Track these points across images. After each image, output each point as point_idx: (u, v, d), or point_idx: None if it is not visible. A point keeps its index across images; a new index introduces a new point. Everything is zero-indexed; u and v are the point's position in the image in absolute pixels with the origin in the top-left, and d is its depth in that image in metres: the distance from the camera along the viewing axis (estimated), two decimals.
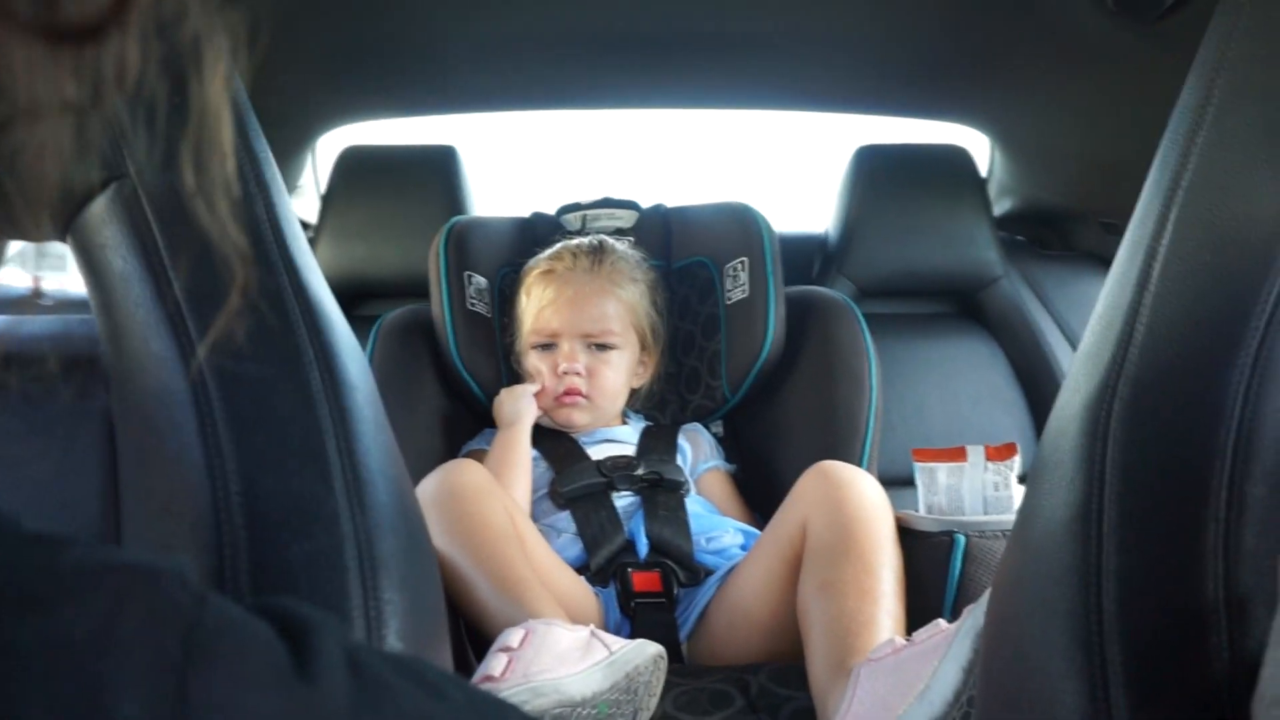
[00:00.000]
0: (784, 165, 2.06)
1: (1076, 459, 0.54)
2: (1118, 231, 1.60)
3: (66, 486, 0.46)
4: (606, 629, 0.95)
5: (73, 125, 0.22)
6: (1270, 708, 0.31)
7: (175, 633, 0.21)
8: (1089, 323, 0.60)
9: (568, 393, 1.16)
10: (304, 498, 0.45)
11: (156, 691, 0.19)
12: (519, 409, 1.14)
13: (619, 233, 1.36)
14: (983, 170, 1.67)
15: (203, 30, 0.23)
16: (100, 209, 0.49)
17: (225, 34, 0.24)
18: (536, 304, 1.20)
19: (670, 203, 1.43)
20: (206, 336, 0.48)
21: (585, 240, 1.25)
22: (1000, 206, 1.73)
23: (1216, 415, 0.50)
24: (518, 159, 1.97)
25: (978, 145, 1.69)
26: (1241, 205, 0.53)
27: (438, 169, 1.56)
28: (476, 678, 0.70)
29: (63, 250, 0.53)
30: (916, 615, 0.81)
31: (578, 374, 1.16)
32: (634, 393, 1.26)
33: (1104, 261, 1.67)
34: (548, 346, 1.19)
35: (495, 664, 0.71)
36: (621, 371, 1.20)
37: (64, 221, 0.49)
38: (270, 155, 0.56)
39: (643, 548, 1.04)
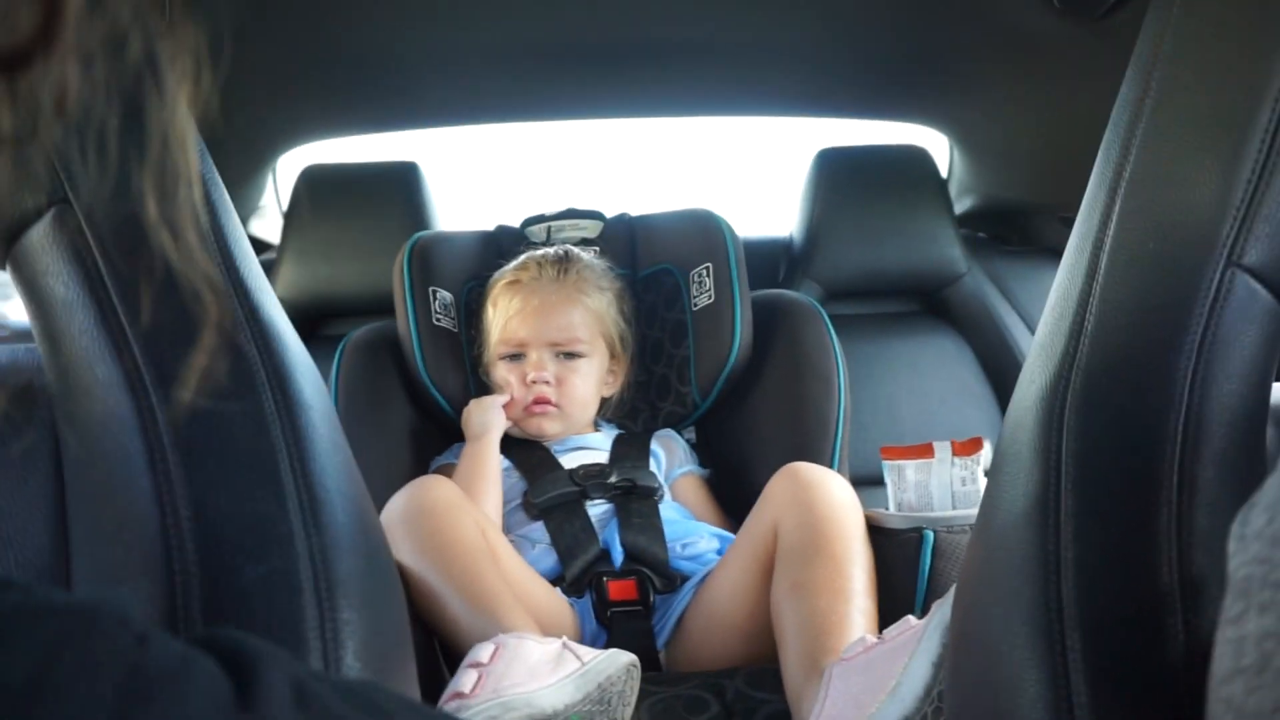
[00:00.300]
0: (746, 171, 2.08)
1: (1033, 449, 0.54)
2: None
3: (16, 519, 0.45)
4: (583, 639, 0.95)
5: (9, 156, 0.21)
6: (1221, 685, 0.31)
7: (111, 677, 0.20)
8: (1043, 315, 0.61)
9: (537, 401, 1.16)
10: (257, 520, 0.44)
11: None
12: (487, 420, 1.13)
13: (584, 243, 1.36)
14: (943, 169, 1.70)
15: (161, 52, 0.22)
16: (40, 235, 0.48)
17: (188, 55, 0.23)
18: (503, 315, 1.19)
19: (634, 212, 1.43)
20: (183, 379, 0.46)
21: (551, 250, 1.25)
22: (961, 205, 1.75)
23: (1166, 401, 0.51)
24: (480, 173, 1.97)
25: (937, 145, 1.71)
26: (1181, 193, 0.54)
27: (400, 185, 1.56)
28: (446, 694, 0.70)
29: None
30: (888, 612, 0.81)
31: (546, 383, 1.16)
32: (605, 401, 1.26)
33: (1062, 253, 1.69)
34: (516, 357, 1.19)
35: (465, 680, 0.70)
36: (591, 380, 1.19)
37: (2, 247, 0.49)
38: (216, 175, 0.55)
39: (618, 556, 1.03)
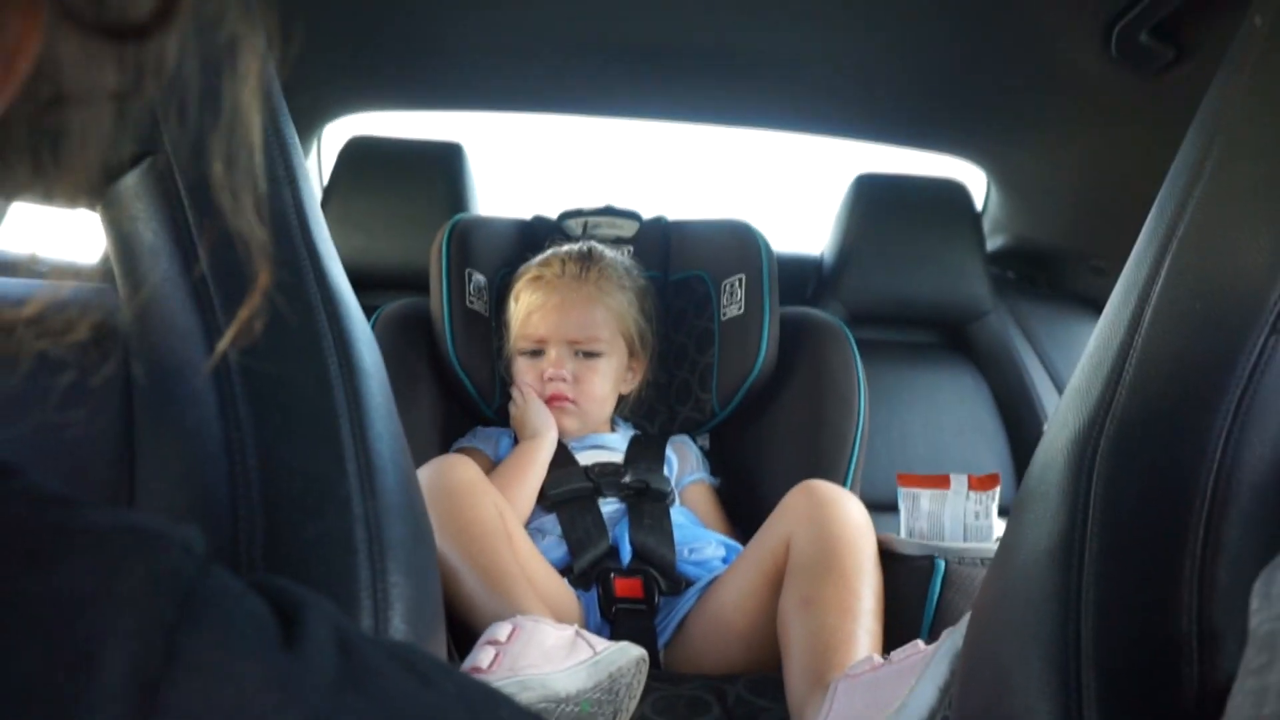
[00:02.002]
0: (784, 187, 2.09)
1: (1062, 491, 0.56)
2: (1106, 275, 1.64)
3: (86, 450, 0.46)
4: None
5: (113, 110, 0.23)
6: None
7: (172, 595, 0.22)
8: (1080, 361, 0.62)
9: (554, 398, 1.18)
10: (318, 478, 0.46)
11: (146, 648, 0.20)
12: (548, 421, 1.15)
13: (619, 241, 1.38)
14: (978, 205, 1.71)
15: (239, 31, 0.24)
16: (133, 182, 0.50)
17: (261, 34, 0.25)
18: (524, 310, 1.21)
19: (671, 216, 1.44)
20: (228, 330, 0.48)
21: (575, 247, 1.27)
22: (993, 242, 1.76)
23: (1198, 457, 0.52)
24: (522, 160, 1.99)
25: (975, 180, 1.72)
26: (1232, 258, 0.55)
27: (443, 165, 1.57)
28: (463, 668, 0.71)
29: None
30: (894, 636, 0.83)
31: (563, 380, 1.17)
32: (622, 399, 1.27)
33: (1091, 303, 1.70)
34: (535, 353, 1.20)
35: (483, 656, 0.72)
36: (608, 378, 1.21)
37: (96, 192, 0.50)
38: (299, 144, 0.57)
39: (626, 554, 1.05)
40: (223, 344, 0.48)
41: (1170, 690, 0.45)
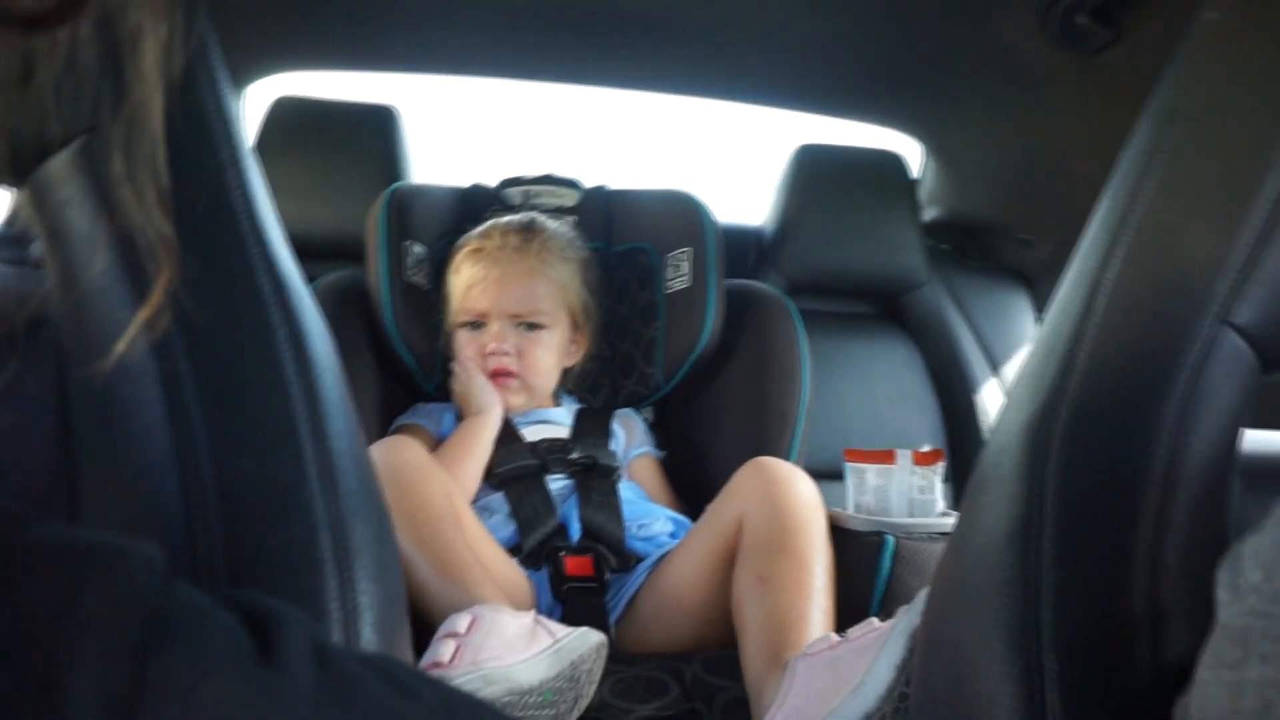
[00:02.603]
0: (724, 157, 2.08)
1: (1018, 475, 0.57)
2: (1032, 247, 1.69)
3: (13, 461, 0.43)
4: (539, 612, 0.96)
5: (5, 99, 0.22)
6: None
7: (137, 615, 0.20)
8: (1033, 345, 0.63)
9: (496, 373, 1.16)
10: (278, 484, 0.43)
11: (113, 672, 0.19)
12: (493, 397, 1.12)
13: (560, 211, 1.35)
14: (915, 177, 1.73)
15: (142, 21, 0.23)
16: (63, 164, 0.45)
17: (165, 25, 0.24)
18: (464, 283, 1.18)
19: (613, 185, 1.42)
20: (136, 316, 0.45)
21: (516, 218, 1.24)
22: (928, 214, 1.80)
23: (1149, 443, 0.54)
24: (459, 126, 1.93)
25: (912, 152, 1.75)
26: (1181, 249, 0.57)
27: (377, 129, 1.51)
28: (425, 663, 0.70)
29: None
30: (845, 611, 0.85)
31: (505, 354, 1.15)
32: (566, 372, 1.26)
33: (1018, 275, 1.76)
34: (476, 326, 1.18)
35: (444, 650, 0.71)
36: (552, 351, 1.19)
37: (15, 173, 0.46)
38: (244, 122, 0.53)
39: (575, 532, 1.04)
40: (120, 344, 0.45)
41: (1126, 669, 0.47)
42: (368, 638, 0.42)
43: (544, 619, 0.79)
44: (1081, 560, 0.52)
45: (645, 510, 1.11)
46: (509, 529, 1.04)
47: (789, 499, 0.91)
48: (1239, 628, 0.34)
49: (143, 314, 0.43)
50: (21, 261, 0.48)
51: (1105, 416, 0.56)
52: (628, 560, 1.04)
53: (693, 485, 1.20)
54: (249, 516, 0.41)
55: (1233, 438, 0.56)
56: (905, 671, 0.65)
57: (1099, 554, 0.52)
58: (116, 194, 0.25)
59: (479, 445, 1.09)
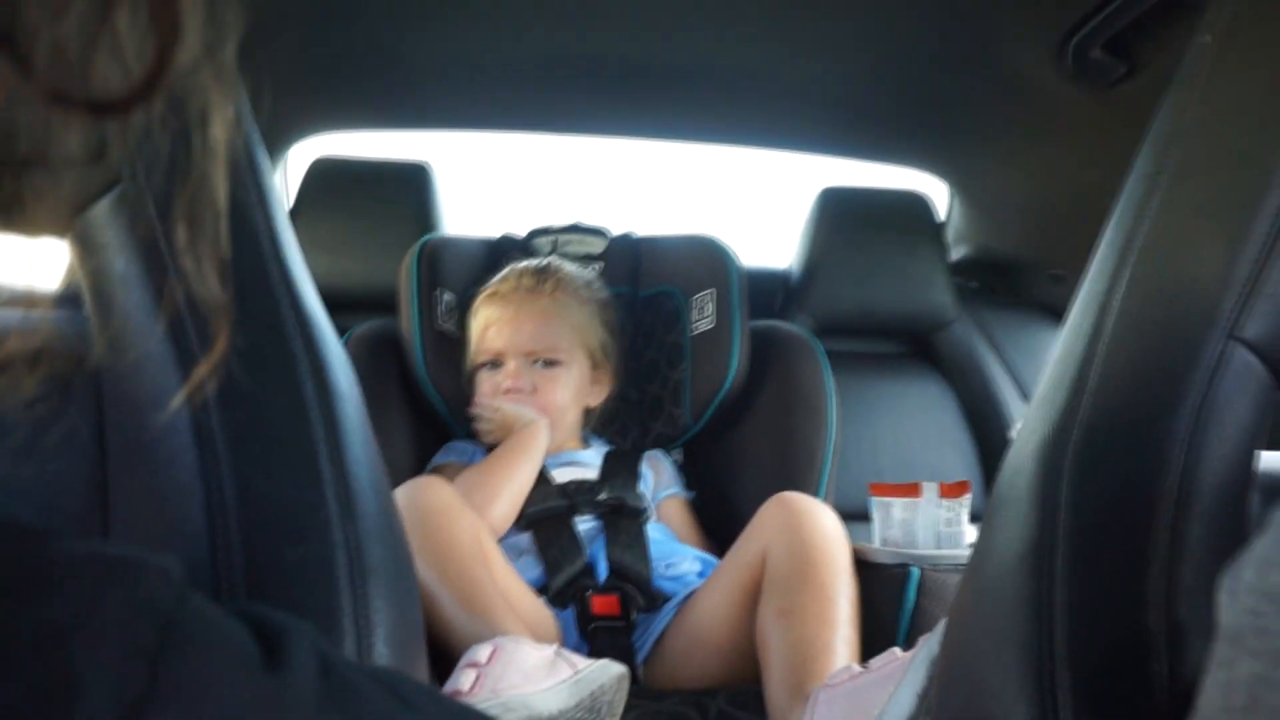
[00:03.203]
0: (750, 202, 2.12)
1: (1032, 497, 0.57)
2: (1065, 283, 1.68)
3: (54, 486, 0.46)
4: None
5: (76, 173, 0.23)
6: None
7: (151, 622, 0.22)
8: (1044, 368, 0.63)
9: None
10: (297, 504, 0.45)
11: (127, 677, 0.20)
12: (535, 414, 1.15)
13: (588, 258, 1.39)
14: (940, 216, 1.74)
15: (212, 102, 0.24)
16: (104, 210, 0.49)
17: (233, 105, 0.26)
18: (481, 324, 1.22)
19: (639, 232, 1.45)
20: (197, 369, 0.48)
21: (532, 262, 1.27)
22: (956, 253, 1.80)
23: (1161, 461, 0.53)
24: (490, 179, 1.99)
25: (937, 192, 1.76)
26: (1189, 266, 0.57)
27: (410, 185, 1.57)
28: (445, 692, 0.71)
29: None
30: (870, 643, 0.83)
31: (520, 391, 1.18)
32: (589, 412, 1.27)
33: (1051, 311, 1.74)
34: (494, 366, 1.21)
35: (464, 679, 0.71)
36: (569, 388, 1.21)
37: (66, 221, 0.50)
38: (270, 166, 0.57)
39: (602, 572, 1.05)
40: (185, 389, 0.48)
41: (1142, 687, 0.47)
42: (380, 653, 0.43)
43: (565, 651, 0.79)
44: (1095, 579, 0.52)
45: (673, 550, 1.11)
46: (537, 569, 1.04)
47: (811, 532, 0.90)
48: (1233, 628, 0.34)
49: (200, 371, 0.45)
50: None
51: (1117, 435, 0.56)
52: (655, 600, 1.04)
53: (723, 526, 1.20)
54: (269, 534, 0.43)
55: (1248, 454, 0.55)
56: (926, 700, 0.64)
57: (1113, 572, 0.51)
58: (179, 263, 0.26)
59: (528, 455, 1.10)
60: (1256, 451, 0.56)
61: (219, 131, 0.25)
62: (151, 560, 0.24)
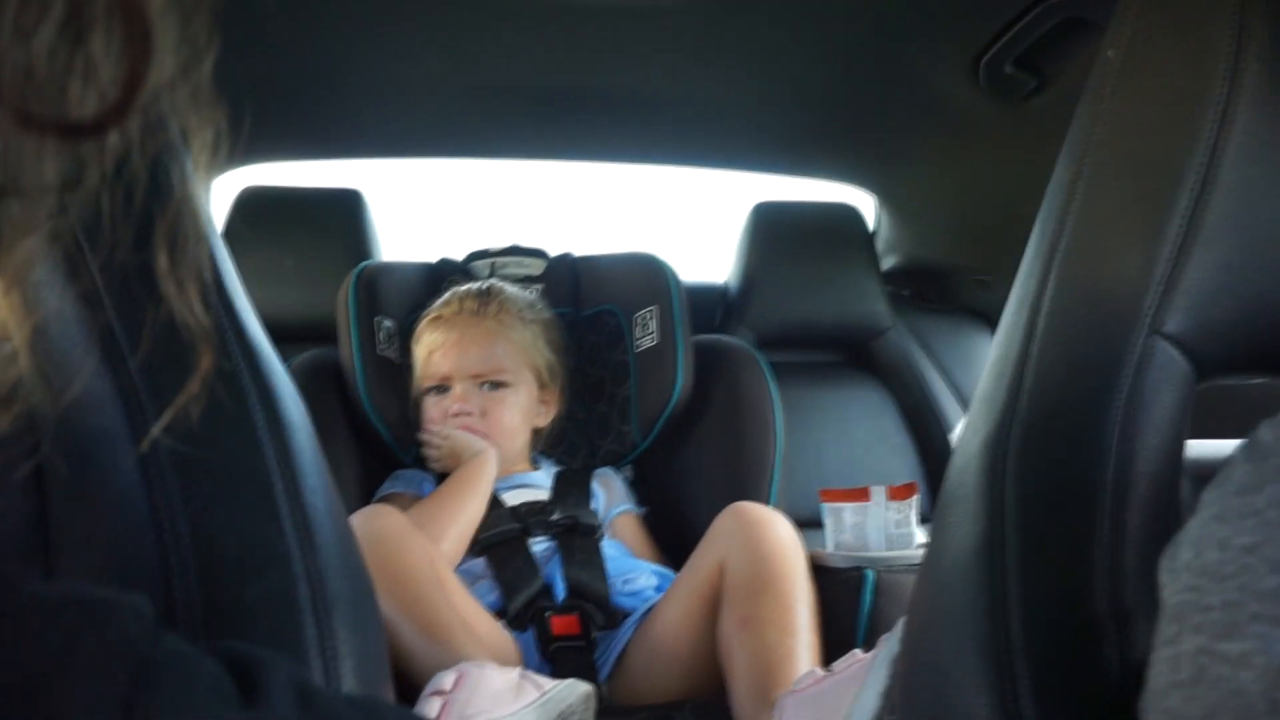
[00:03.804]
0: (685, 218, 2.14)
1: (979, 494, 0.59)
2: (990, 288, 1.75)
3: None
4: None
5: (54, 200, 0.23)
6: (1159, 698, 0.36)
7: (125, 665, 0.21)
8: (985, 370, 0.66)
9: None
10: (254, 538, 0.44)
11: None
12: (484, 442, 1.14)
13: (528, 280, 1.39)
14: (870, 227, 1.79)
15: (190, 125, 0.24)
16: (35, 245, 0.47)
17: (211, 127, 0.26)
18: (426, 349, 1.21)
19: (578, 252, 1.46)
20: (162, 417, 0.47)
21: (474, 285, 1.27)
22: (886, 262, 1.85)
23: (1097, 453, 0.56)
24: (424, 203, 1.97)
25: (865, 204, 1.81)
26: (1110, 266, 0.60)
27: (343, 212, 1.55)
28: None
29: None
30: (831, 646, 0.85)
31: (469, 414, 1.17)
32: (538, 433, 1.27)
33: (980, 315, 1.81)
34: (441, 390, 1.20)
35: (429, 708, 0.70)
36: (516, 410, 1.21)
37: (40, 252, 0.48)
38: (196, 209, 0.55)
39: (560, 592, 1.04)
40: (157, 428, 0.47)
41: (1095, 670, 0.49)
42: (349, 684, 0.42)
43: (531, 674, 0.79)
44: (1045, 570, 0.54)
45: (630, 566, 1.11)
46: (494, 594, 1.03)
47: (768, 541, 0.92)
48: (1175, 605, 0.36)
49: (182, 398, 0.44)
50: None
51: (1055, 430, 0.58)
52: (614, 617, 1.04)
53: (676, 539, 1.20)
54: (227, 570, 0.42)
55: (1177, 443, 0.58)
56: (889, 698, 0.65)
57: (1061, 562, 0.54)
58: (161, 287, 0.26)
59: (478, 487, 1.09)
60: (1184, 440, 0.59)
61: (199, 153, 0.25)
62: (124, 599, 0.23)
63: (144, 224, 0.26)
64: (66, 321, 0.47)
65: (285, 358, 1.31)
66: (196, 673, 0.23)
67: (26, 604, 0.22)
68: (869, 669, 0.67)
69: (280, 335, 1.54)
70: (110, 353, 0.47)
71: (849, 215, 1.71)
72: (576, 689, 0.76)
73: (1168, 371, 0.58)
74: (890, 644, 0.68)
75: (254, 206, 1.54)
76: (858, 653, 0.73)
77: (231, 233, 1.53)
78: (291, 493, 0.48)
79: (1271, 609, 0.32)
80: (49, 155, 0.22)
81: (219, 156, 0.27)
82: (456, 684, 0.73)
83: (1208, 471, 0.64)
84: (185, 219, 0.26)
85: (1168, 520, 0.56)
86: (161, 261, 0.26)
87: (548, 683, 0.77)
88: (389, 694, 0.50)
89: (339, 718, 0.24)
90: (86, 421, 0.46)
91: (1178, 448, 0.58)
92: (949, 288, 1.84)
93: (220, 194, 1.69)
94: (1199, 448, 0.68)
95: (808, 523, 1.12)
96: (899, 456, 1.60)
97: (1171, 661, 0.35)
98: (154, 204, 0.26)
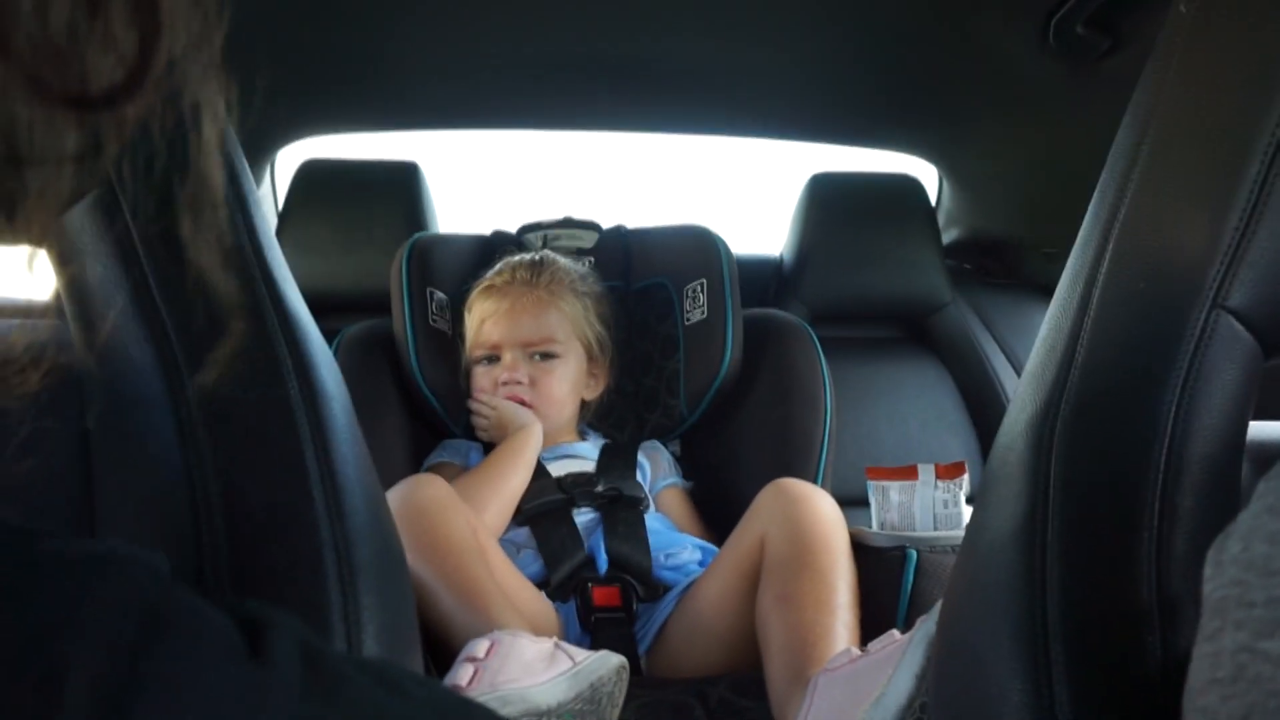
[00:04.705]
0: (741, 190, 2.11)
1: (1022, 473, 0.57)
2: (1058, 261, 1.67)
3: (39, 492, 0.46)
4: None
5: (73, 169, 0.24)
6: (1197, 695, 0.34)
7: (134, 616, 0.22)
8: (1035, 345, 0.63)
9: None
10: (283, 504, 0.45)
11: (110, 669, 0.21)
12: (530, 414, 1.15)
13: (579, 253, 1.38)
14: (932, 200, 1.74)
15: (201, 97, 0.24)
16: (79, 216, 0.49)
17: (222, 100, 0.26)
18: (477, 319, 1.22)
19: (630, 224, 1.45)
20: (196, 376, 0.49)
21: (526, 256, 1.27)
22: (948, 235, 1.79)
23: (1150, 432, 0.53)
24: (480, 176, 1.99)
25: (927, 175, 1.75)
26: (1172, 237, 0.57)
27: (399, 184, 1.57)
28: None
29: None
30: (870, 626, 0.83)
31: (519, 383, 1.18)
32: (586, 405, 1.27)
33: (1045, 290, 1.73)
34: (491, 359, 1.21)
35: (462, 674, 0.72)
36: (566, 381, 1.21)
37: (55, 221, 0.50)
38: (247, 168, 0.56)
39: (603, 563, 1.05)
40: (211, 379, 0.48)
41: (1136, 660, 0.47)
42: (371, 650, 0.43)
43: (564, 644, 0.79)
44: (1086, 552, 0.52)
45: (673, 540, 1.11)
46: (536, 564, 1.05)
47: (809, 517, 0.90)
48: (1218, 600, 0.34)
49: (220, 357, 0.46)
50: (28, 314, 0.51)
51: (1106, 408, 0.56)
52: (656, 590, 1.04)
53: (722, 514, 1.20)
54: (255, 534, 0.43)
55: (1239, 423, 0.55)
56: (924, 681, 0.64)
57: (1104, 546, 0.51)
58: (186, 255, 0.27)
59: (522, 460, 1.10)
60: (1246, 421, 0.56)
61: (210, 125, 0.25)
62: (140, 555, 0.24)
63: (165, 192, 0.27)
64: (110, 289, 0.49)
65: (340, 328, 1.34)
66: (205, 627, 0.23)
67: (41, 559, 0.22)
68: (904, 650, 0.66)
69: (336, 306, 1.59)
70: (150, 320, 0.48)
71: (910, 187, 1.66)
72: (609, 661, 0.77)
73: (1231, 348, 0.54)
74: (927, 626, 0.66)
75: (313, 179, 1.57)
76: (895, 633, 0.72)
77: (292, 204, 1.57)
78: (323, 461, 0.49)
79: None
80: (68, 126, 0.23)
81: (232, 126, 0.27)
82: (489, 651, 0.74)
83: (1274, 455, 0.61)
84: (202, 188, 0.27)
85: (1224, 507, 0.53)
86: (185, 228, 0.26)
87: (580, 653, 0.77)
88: (416, 663, 0.51)
89: (346, 679, 0.25)
90: (126, 386, 0.47)
91: (1239, 429, 0.55)
92: (1014, 261, 1.78)
93: (283, 168, 1.73)
94: (1266, 430, 0.64)
95: (856, 501, 1.10)
96: (954, 435, 1.56)
97: (1211, 658, 0.33)
98: (173, 173, 0.26)
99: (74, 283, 0.49)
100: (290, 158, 1.69)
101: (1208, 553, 0.42)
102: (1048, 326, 0.63)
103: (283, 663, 0.23)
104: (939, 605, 0.65)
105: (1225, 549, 0.37)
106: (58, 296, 0.53)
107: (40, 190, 0.23)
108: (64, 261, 0.49)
